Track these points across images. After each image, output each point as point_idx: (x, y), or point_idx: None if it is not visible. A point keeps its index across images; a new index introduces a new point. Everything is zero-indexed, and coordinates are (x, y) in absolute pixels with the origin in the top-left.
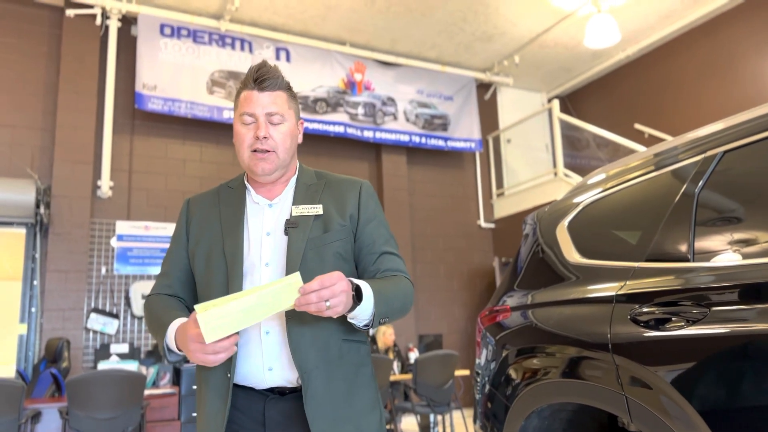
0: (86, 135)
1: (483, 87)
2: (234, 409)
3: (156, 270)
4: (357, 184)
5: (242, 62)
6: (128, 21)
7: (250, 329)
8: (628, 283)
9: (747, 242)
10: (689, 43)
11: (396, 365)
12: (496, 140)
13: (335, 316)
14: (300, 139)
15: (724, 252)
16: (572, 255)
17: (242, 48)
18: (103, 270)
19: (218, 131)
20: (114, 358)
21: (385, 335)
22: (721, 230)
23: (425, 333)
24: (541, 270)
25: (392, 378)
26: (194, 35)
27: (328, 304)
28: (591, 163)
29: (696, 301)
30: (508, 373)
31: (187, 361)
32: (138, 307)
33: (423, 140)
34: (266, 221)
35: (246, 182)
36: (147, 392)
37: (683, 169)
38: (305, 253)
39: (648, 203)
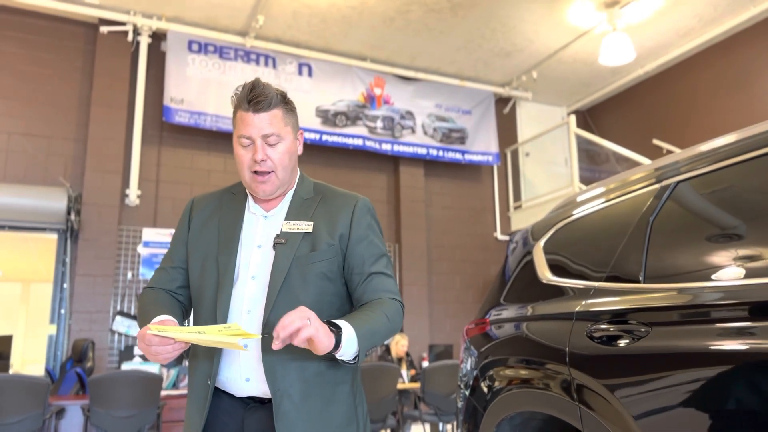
0: (116, 146)
1: (502, 101)
2: (217, 414)
3: None
4: (352, 202)
5: (266, 77)
6: (158, 37)
7: None
8: (587, 301)
9: (691, 267)
10: (707, 60)
11: (405, 374)
12: (515, 153)
13: (320, 354)
14: (300, 151)
15: (669, 276)
16: (545, 273)
17: (266, 64)
18: (129, 275)
19: None
20: (137, 359)
21: (398, 345)
22: (669, 255)
23: (436, 343)
24: (523, 286)
25: (401, 386)
26: (220, 51)
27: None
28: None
29: (641, 320)
30: (483, 382)
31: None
32: None
33: (440, 153)
34: (259, 233)
35: (247, 190)
36: (164, 393)
37: (643, 197)
38: (290, 270)
39: (611, 227)
